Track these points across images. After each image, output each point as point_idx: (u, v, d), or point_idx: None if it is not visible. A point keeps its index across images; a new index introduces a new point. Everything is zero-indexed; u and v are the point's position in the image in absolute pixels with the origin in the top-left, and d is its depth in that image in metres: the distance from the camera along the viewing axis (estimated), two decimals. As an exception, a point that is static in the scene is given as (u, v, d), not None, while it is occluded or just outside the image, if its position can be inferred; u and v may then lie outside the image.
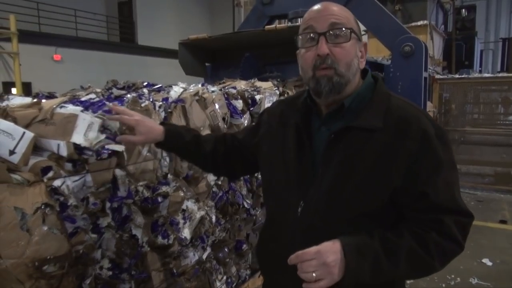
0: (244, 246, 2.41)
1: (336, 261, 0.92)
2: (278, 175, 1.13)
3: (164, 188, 1.73)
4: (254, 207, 2.48)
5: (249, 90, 2.51)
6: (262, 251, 1.25)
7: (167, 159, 1.79)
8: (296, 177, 1.08)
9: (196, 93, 2.05)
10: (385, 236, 0.98)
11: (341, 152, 1.01)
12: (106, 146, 1.42)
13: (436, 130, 1.00)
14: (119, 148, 1.46)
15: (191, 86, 2.21)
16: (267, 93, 2.60)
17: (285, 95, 2.72)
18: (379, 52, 5.41)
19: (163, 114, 1.80)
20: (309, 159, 1.07)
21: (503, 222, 4.96)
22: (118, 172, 1.51)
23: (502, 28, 17.96)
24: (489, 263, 3.82)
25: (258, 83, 2.75)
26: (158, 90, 2.05)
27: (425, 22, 7.59)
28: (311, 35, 1.03)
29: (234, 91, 2.41)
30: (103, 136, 1.43)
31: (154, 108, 1.75)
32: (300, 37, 1.06)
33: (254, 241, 2.49)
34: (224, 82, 2.81)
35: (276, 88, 2.76)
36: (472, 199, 6.10)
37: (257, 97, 2.49)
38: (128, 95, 1.74)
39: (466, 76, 7.49)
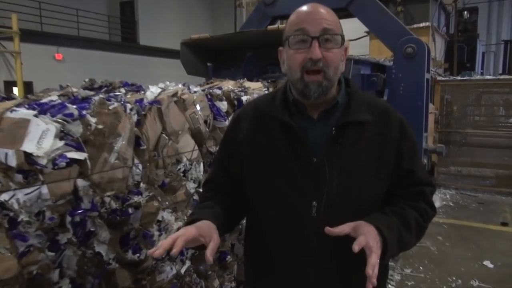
0: (229, 258, 2.25)
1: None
2: (279, 182, 1.09)
3: (136, 198, 1.58)
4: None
5: (236, 90, 2.38)
6: (265, 269, 1.17)
7: (140, 166, 1.63)
8: (301, 178, 1.06)
9: (175, 94, 1.91)
10: (395, 211, 1.11)
11: (342, 146, 1.06)
12: (65, 154, 1.28)
13: (404, 118, 1.17)
14: (81, 156, 1.32)
15: (171, 86, 2.08)
16: (255, 94, 2.45)
17: None
18: (381, 53, 5.41)
19: (135, 117, 1.65)
20: (309, 157, 1.07)
21: (504, 224, 4.94)
22: (80, 182, 1.35)
23: (504, 31, 17.95)
24: (490, 266, 3.81)
25: (247, 84, 2.65)
26: (137, 90, 1.92)
27: (427, 24, 7.59)
28: (304, 37, 1.03)
29: (219, 91, 2.27)
30: (61, 143, 1.28)
31: (125, 110, 1.60)
32: (291, 37, 1.05)
33: (240, 251, 2.37)
34: (211, 82, 2.71)
35: (266, 88, 2.66)
36: (473, 201, 6.09)
37: (244, 98, 2.34)
38: (96, 97, 1.57)
39: (468, 78, 7.47)
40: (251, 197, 1.18)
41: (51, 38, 11.95)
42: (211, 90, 2.24)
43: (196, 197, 1.98)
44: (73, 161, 1.31)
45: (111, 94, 1.75)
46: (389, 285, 3.43)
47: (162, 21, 16.06)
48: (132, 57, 14.33)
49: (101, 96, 1.61)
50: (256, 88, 2.56)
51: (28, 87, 10.07)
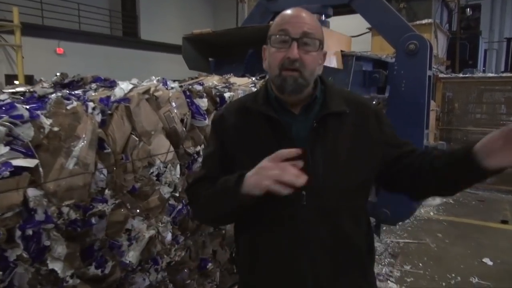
0: (210, 265, 2.12)
1: None
2: None
3: (100, 206, 1.46)
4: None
5: (219, 87, 2.22)
6: (260, 260, 1.20)
7: (104, 171, 1.49)
8: None
9: (146, 91, 1.77)
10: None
11: (323, 137, 1.14)
12: (10, 162, 1.15)
13: (378, 108, 1.30)
14: (30, 163, 1.20)
15: (145, 81, 1.93)
16: (240, 91, 2.30)
17: None
18: (383, 50, 5.39)
19: (99, 117, 1.51)
20: (293, 147, 1.11)
21: (504, 222, 4.95)
22: (32, 192, 1.23)
23: (506, 28, 17.85)
24: (490, 263, 3.82)
25: (233, 79, 2.52)
26: (110, 86, 1.78)
27: (430, 20, 7.56)
28: (285, 38, 1.11)
29: (199, 87, 2.11)
30: (5, 149, 1.16)
31: (86, 110, 1.46)
32: (273, 36, 1.14)
33: (223, 257, 2.26)
34: (196, 78, 2.60)
35: (253, 84, 2.50)
36: (474, 198, 6.09)
37: (227, 95, 2.17)
38: (53, 95, 1.44)
39: (469, 75, 7.45)
40: None
41: (52, 32, 11.92)
42: (190, 86, 2.08)
43: (172, 201, 1.82)
44: (22, 168, 1.18)
45: (76, 91, 1.62)
46: (389, 281, 3.44)
47: (164, 16, 16.01)
48: (133, 51, 14.29)
49: (59, 94, 1.46)
50: (242, 84, 2.42)
51: (29, 81, 10.06)
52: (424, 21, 7.52)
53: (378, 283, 1.41)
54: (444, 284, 3.43)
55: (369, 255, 1.25)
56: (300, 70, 1.10)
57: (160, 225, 1.76)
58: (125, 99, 1.64)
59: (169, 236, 1.81)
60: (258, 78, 2.70)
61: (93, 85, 1.79)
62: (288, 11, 1.16)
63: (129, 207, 1.61)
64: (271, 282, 1.18)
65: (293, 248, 1.13)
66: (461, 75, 7.74)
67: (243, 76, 2.75)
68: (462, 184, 1.13)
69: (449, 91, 7.21)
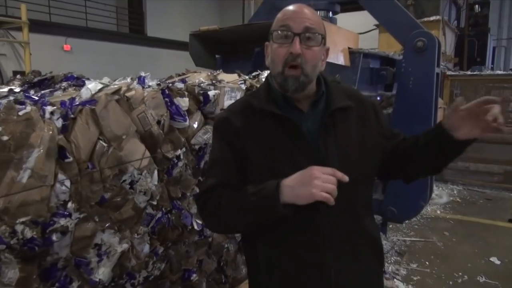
0: (194, 276, 1.99)
1: None
2: (285, 171, 1.09)
3: (62, 222, 1.33)
4: (210, 227, 2.10)
5: (203, 84, 2.03)
6: (281, 254, 1.18)
7: (67, 182, 1.35)
8: (304, 164, 1.08)
9: (116, 91, 1.60)
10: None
11: (334, 131, 1.17)
12: None
13: (373, 101, 1.36)
14: None
15: (117, 80, 1.77)
16: (227, 88, 2.12)
17: (254, 89, 2.29)
18: (391, 47, 5.35)
19: (59, 123, 1.36)
20: (308, 145, 1.15)
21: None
22: None
23: (515, 25, 17.66)
24: (497, 262, 3.79)
25: (221, 75, 2.37)
26: (82, 86, 1.64)
27: (438, 17, 7.50)
28: (287, 33, 1.12)
29: (180, 85, 1.94)
30: None
31: (43, 115, 1.32)
32: (275, 32, 1.14)
33: (210, 267, 2.14)
34: (183, 74, 2.44)
35: (242, 81, 2.31)
36: (481, 197, 6.05)
37: (211, 93, 1.99)
38: (3, 100, 1.31)
39: (478, 73, 7.39)
40: None
41: (59, 29, 11.97)
42: (170, 84, 1.91)
43: (150, 210, 1.68)
44: None
45: (44, 91, 1.49)
46: (395, 280, 3.43)
47: (170, 13, 16.01)
48: (139, 48, 14.31)
49: (11, 98, 1.33)
50: (230, 81, 2.26)
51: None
52: (432, 18, 7.46)
53: (384, 281, 1.42)
54: (451, 283, 3.42)
55: (382, 246, 1.31)
56: (302, 67, 1.11)
57: (136, 236, 1.63)
58: (92, 100, 1.49)
59: (146, 248, 1.68)
60: (251, 77, 2.57)
61: (64, 84, 1.66)
62: (290, 7, 1.17)
63: (97, 220, 1.48)
64: (294, 277, 1.16)
65: (313, 240, 1.14)
66: (469, 72, 7.67)
67: (250, 73, 2.73)
68: (443, 158, 1.22)
69: (457, 88, 7.15)
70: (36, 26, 10.24)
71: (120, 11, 15.05)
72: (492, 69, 11.03)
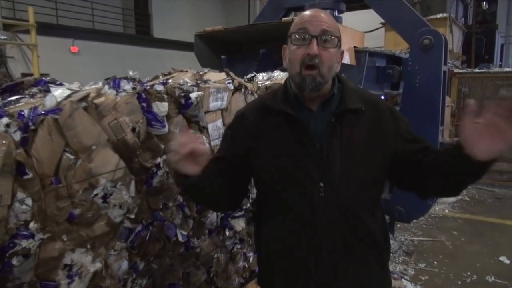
0: None
1: None
2: (288, 167, 1.20)
3: (24, 243, 1.22)
4: (197, 237, 1.93)
5: (185, 86, 1.87)
6: (278, 249, 1.28)
7: (28, 200, 1.24)
8: (308, 163, 1.19)
9: (83, 98, 1.45)
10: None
11: (340, 131, 1.20)
12: None
13: (392, 106, 1.36)
14: None
15: (88, 85, 1.62)
16: (213, 89, 1.98)
17: (242, 89, 2.22)
18: (397, 45, 5.32)
19: (17, 136, 1.23)
20: (313, 144, 1.19)
21: (521, 220, 4.87)
22: None
23: (524, 22, 17.45)
24: (507, 261, 3.75)
25: (208, 75, 2.23)
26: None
27: (445, 15, 7.45)
28: (305, 36, 1.18)
29: (160, 88, 1.78)
30: None
31: None
32: (293, 35, 1.21)
33: (199, 279, 2.03)
34: (169, 73, 2.32)
35: (230, 81, 2.17)
36: (490, 196, 6.00)
37: (193, 95, 1.84)
38: None
39: (485, 70, 7.31)
40: (263, 186, 1.31)
41: (66, 31, 12.07)
42: (149, 87, 1.74)
43: (127, 224, 1.58)
44: None
45: (11, 98, 1.38)
46: (403, 280, 3.41)
47: (176, 14, 16.07)
48: (146, 49, 14.39)
49: None
50: (218, 81, 2.13)
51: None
52: (439, 16, 7.41)
53: (392, 281, 1.41)
54: (459, 282, 3.39)
55: (385, 247, 1.30)
56: (319, 67, 1.16)
57: (112, 253, 1.51)
58: (56, 109, 1.34)
59: (124, 265, 1.56)
60: (246, 79, 2.43)
61: (34, 90, 1.51)
62: (308, 12, 1.24)
63: (65, 239, 1.35)
64: (289, 271, 1.24)
65: (312, 238, 1.18)
66: (477, 70, 7.61)
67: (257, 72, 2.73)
68: (461, 180, 1.16)
69: (464, 86, 7.09)
70: (44, 29, 10.33)
71: (127, 12, 15.14)
72: (500, 66, 10.93)
